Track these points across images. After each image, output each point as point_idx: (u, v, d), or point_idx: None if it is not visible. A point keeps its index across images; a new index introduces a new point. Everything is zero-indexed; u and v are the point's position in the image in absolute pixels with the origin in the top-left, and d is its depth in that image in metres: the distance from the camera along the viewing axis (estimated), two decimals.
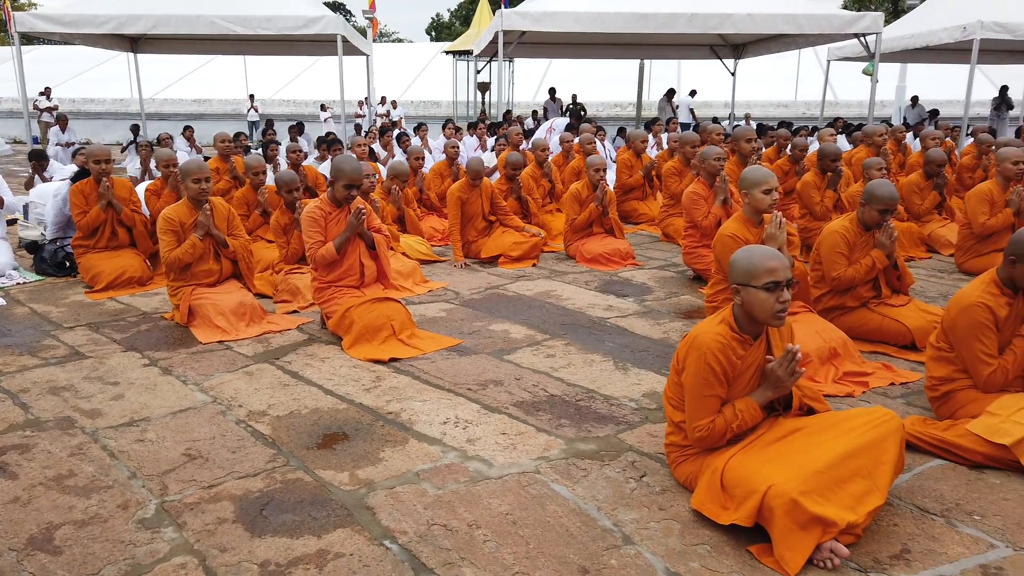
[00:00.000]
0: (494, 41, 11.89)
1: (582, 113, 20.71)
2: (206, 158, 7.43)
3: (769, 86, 23.95)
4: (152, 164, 9.11)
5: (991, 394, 2.88)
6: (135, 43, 15.30)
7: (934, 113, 16.19)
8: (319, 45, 14.57)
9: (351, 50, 13.51)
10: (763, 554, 2.22)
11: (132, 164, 11.71)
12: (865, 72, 14.50)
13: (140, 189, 6.27)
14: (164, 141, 10.57)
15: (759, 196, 3.90)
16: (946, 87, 21.93)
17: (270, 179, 6.55)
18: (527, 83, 28.03)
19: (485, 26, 18.31)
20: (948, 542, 2.30)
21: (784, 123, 16.79)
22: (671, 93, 17.34)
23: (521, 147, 8.82)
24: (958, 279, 5.72)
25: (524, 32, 12.28)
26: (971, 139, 9.10)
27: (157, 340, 4.37)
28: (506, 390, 3.58)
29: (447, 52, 24.55)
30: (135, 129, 14.09)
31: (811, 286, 4.32)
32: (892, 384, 3.60)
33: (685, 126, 16.98)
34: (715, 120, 18.79)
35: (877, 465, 2.35)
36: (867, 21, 12.38)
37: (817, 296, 4.31)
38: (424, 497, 2.60)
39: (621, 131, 14.01)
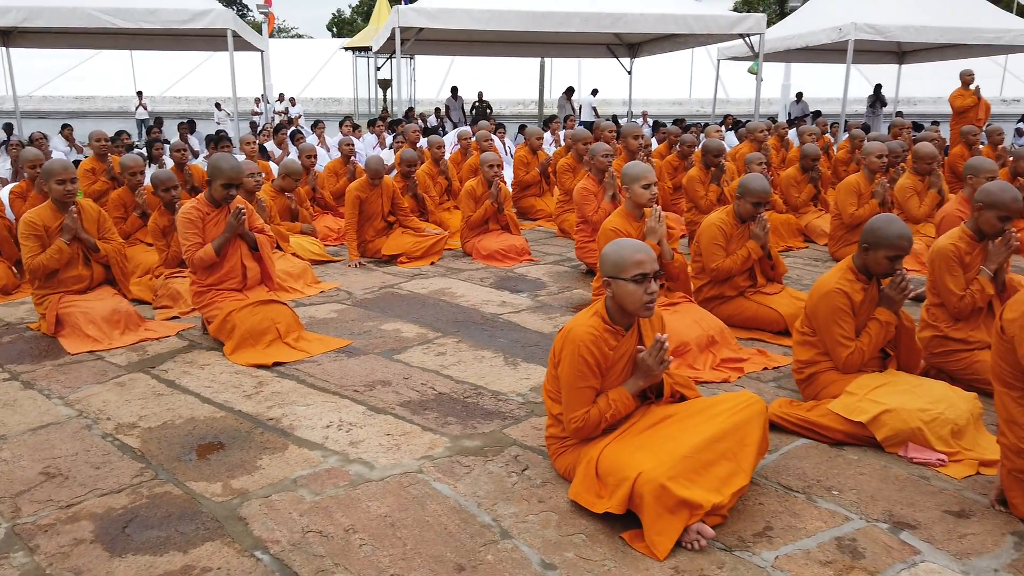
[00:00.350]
0: (392, 38, 11.75)
1: (488, 111, 20.78)
2: (85, 157, 7.01)
3: (665, 84, 24.70)
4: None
5: (850, 375, 3.05)
6: (7, 36, 14.27)
7: (816, 114, 17.09)
8: (209, 40, 14.02)
9: (243, 45, 13.06)
10: (635, 540, 2.27)
11: (3, 165, 10.95)
12: (751, 71, 15.11)
13: (4, 192, 5.85)
14: (37, 141, 9.94)
15: (639, 191, 4.00)
16: (828, 85, 23.21)
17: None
18: (431, 80, 27.85)
19: (384, 22, 18.06)
20: (808, 517, 2.43)
21: (678, 120, 17.35)
22: (570, 91, 17.62)
23: (418, 144, 8.75)
24: (831, 267, 6.05)
25: (422, 29, 12.19)
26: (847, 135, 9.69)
27: (20, 353, 4.08)
28: (394, 390, 3.54)
29: (346, 48, 24.09)
30: (8, 128, 13.18)
31: (692, 277, 4.48)
32: (765, 368, 3.77)
33: (589, 124, 17.28)
34: (614, 118, 19.24)
35: (742, 447, 2.45)
36: (751, 22, 12.94)
37: (698, 287, 4.47)
38: (300, 504, 2.53)
39: (522, 128, 14.12)
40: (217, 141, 9.04)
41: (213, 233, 4.21)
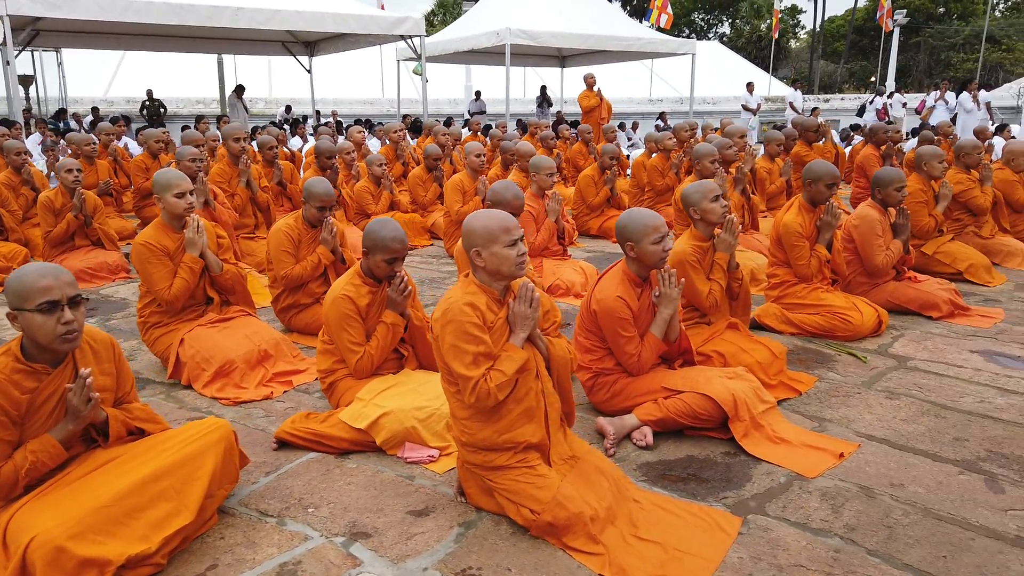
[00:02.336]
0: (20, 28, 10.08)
1: (162, 111, 18.98)
2: None
3: (357, 83, 24.50)
4: None
5: (363, 380, 3.02)
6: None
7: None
8: None
9: None
10: None
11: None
12: (415, 72, 15.47)
13: None
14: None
15: (172, 200, 3.65)
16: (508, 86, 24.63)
17: None
18: (99, 77, 24.86)
19: None
20: (265, 545, 2.29)
21: (361, 119, 17.26)
22: (240, 90, 16.64)
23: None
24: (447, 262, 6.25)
25: (38, 19, 10.64)
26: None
27: None
28: None
29: None
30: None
31: (270, 285, 4.26)
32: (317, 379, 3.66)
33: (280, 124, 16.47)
34: (304, 119, 18.58)
35: (188, 483, 2.24)
36: (410, 24, 13.17)
37: (275, 295, 4.26)
38: None
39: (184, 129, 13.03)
40: None
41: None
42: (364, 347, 3.00)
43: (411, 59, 17.46)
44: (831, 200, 4.22)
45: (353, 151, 7.18)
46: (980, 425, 3.06)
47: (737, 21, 49.49)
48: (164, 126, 16.99)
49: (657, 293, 3.03)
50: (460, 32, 16.54)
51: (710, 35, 51.04)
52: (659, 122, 19.09)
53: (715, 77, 27.23)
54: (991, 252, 5.68)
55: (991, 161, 7.63)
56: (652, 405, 2.98)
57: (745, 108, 18.50)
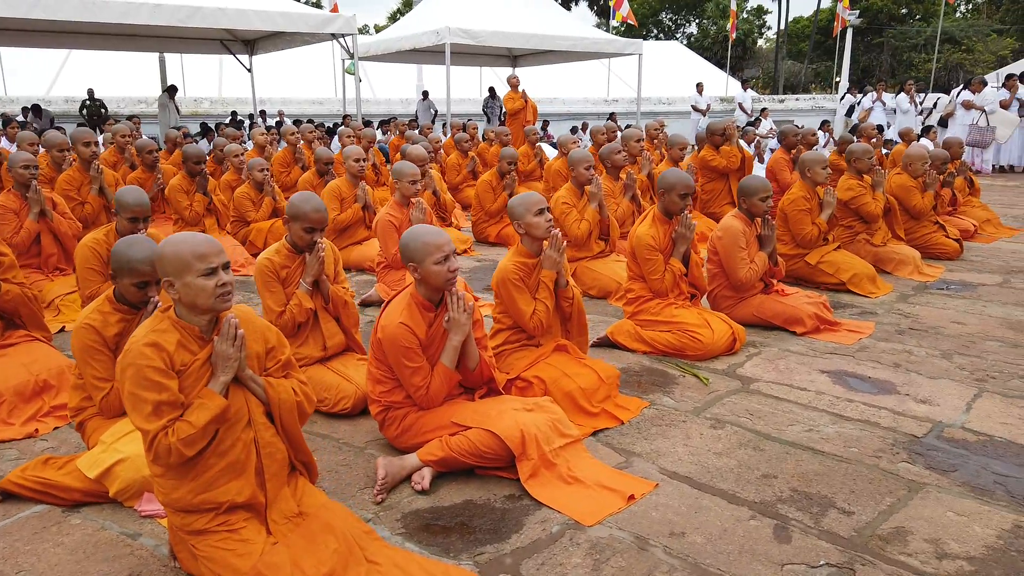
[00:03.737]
0: None
1: (102, 111, 18.43)
2: None
3: (306, 83, 24.07)
4: None
5: (112, 419, 2.71)
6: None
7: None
8: None
9: None
10: None
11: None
12: (348, 71, 15.10)
13: None
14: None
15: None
16: (456, 86, 24.34)
17: None
18: (41, 76, 24.21)
19: None
20: None
21: (304, 119, 16.87)
22: (172, 90, 16.20)
23: None
24: None
25: None
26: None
27: None
28: None
29: None
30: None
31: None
32: None
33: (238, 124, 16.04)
34: (250, 118, 18.16)
35: None
36: (340, 23, 12.82)
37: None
38: None
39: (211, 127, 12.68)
40: None
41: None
42: (111, 383, 2.69)
43: (362, 58, 17.13)
44: (686, 211, 3.98)
45: (241, 154, 6.84)
46: (796, 459, 2.81)
47: (704, 21, 49.54)
48: (102, 126, 16.55)
49: (447, 319, 2.75)
50: (402, 31, 16.20)
51: (678, 35, 51.09)
52: (576, 124, 18.99)
53: (674, 77, 27.13)
54: (882, 261, 5.48)
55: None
56: (436, 443, 2.70)
57: (695, 109, 18.35)
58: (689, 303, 4.09)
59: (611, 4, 21.50)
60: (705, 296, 4.49)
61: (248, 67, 17.25)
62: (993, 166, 12.46)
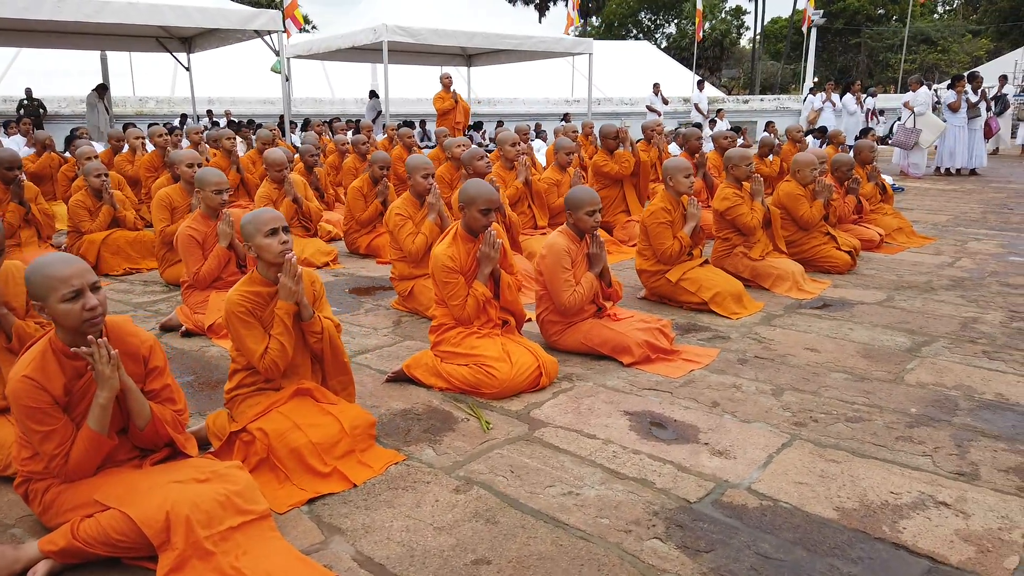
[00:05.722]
0: None
1: (41, 111, 17.86)
2: None
3: (253, 82, 23.47)
4: None
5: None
6: None
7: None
8: None
9: None
10: None
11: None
12: (273, 69, 14.58)
13: None
14: None
15: None
16: (400, 86, 23.76)
17: None
18: None
19: None
20: None
21: (242, 120, 16.33)
22: (101, 89, 15.63)
23: None
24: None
25: None
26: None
27: None
28: None
29: None
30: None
31: None
32: None
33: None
34: (183, 119, 17.59)
35: None
36: (265, 19, 12.27)
37: None
38: None
39: (74, 131, 12.05)
40: None
41: None
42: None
43: (299, 56, 16.57)
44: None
45: (93, 156, 6.30)
46: (528, 536, 2.31)
47: (683, 22, 49.15)
48: (42, 126, 15.96)
49: (90, 367, 2.24)
50: (339, 29, 15.68)
51: (657, 35, 50.71)
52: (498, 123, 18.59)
53: (640, 77, 26.67)
54: (760, 276, 5.01)
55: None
56: (62, 529, 2.19)
57: (650, 109, 17.92)
58: (499, 331, 3.60)
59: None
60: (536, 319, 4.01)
61: (186, 65, 16.70)
62: (937, 168, 12.04)
